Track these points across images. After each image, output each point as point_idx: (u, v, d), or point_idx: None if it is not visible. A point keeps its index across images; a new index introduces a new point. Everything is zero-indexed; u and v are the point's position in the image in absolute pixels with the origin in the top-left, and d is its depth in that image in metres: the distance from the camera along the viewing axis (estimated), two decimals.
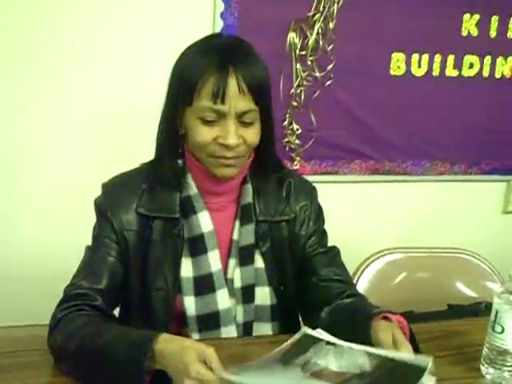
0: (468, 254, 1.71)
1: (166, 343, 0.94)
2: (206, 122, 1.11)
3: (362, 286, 1.57)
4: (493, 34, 2.19)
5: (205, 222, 1.19)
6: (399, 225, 2.30)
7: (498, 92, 2.26)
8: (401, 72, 2.16)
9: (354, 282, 1.57)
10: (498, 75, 2.25)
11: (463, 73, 2.21)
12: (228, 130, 1.09)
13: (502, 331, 1.10)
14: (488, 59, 2.22)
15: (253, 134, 1.14)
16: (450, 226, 2.35)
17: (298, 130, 2.08)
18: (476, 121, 2.29)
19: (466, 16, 2.15)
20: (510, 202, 2.43)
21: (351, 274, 1.44)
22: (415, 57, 2.15)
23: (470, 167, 2.34)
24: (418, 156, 2.27)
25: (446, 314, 1.48)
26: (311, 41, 2.00)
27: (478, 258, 1.71)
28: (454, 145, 2.29)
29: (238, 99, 1.08)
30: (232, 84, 1.08)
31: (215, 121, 1.10)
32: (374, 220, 2.27)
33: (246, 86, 1.08)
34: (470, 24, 2.16)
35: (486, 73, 2.24)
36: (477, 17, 2.15)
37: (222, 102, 1.08)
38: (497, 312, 1.11)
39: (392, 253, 1.67)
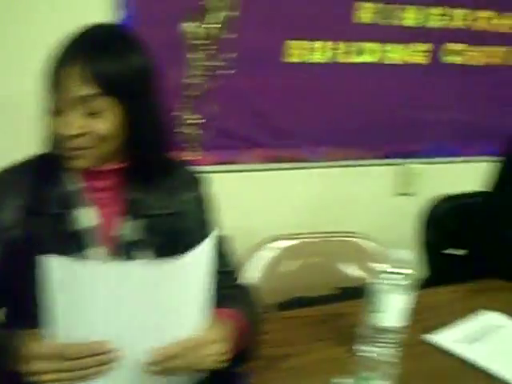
0: (359, 237, 1.76)
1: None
2: (54, 113, 1.08)
3: (252, 274, 1.58)
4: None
5: (86, 217, 1.15)
6: (298, 212, 2.32)
7: (394, 77, 2.33)
8: (297, 59, 2.17)
9: (246, 268, 1.57)
10: (397, 62, 2.32)
11: (360, 59, 2.26)
12: (66, 120, 1.07)
13: (378, 309, 1.15)
14: (388, 46, 2.27)
15: (101, 125, 1.09)
16: (349, 210, 2.40)
17: (195, 120, 2.07)
18: (372, 106, 2.33)
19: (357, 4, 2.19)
20: (407, 184, 2.51)
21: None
22: (311, 44, 2.17)
23: (367, 152, 2.40)
24: (314, 142, 2.30)
25: (333, 297, 1.52)
26: (207, 30, 1.98)
27: (369, 241, 1.76)
28: (350, 130, 2.33)
29: (77, 87, 1.05)
30: (72, 73, 1.04)
31: (63, 111, 1.07)
32: (272, 208, 2.28)
33: (91, 74, 1.04)
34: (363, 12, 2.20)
35: (387, 59, 2.30)
36: (370, 5, 2.20)
37: (60, 90, 1.05)
38: (371, 291, 1.16)
39: (282, 239, 1.69)
